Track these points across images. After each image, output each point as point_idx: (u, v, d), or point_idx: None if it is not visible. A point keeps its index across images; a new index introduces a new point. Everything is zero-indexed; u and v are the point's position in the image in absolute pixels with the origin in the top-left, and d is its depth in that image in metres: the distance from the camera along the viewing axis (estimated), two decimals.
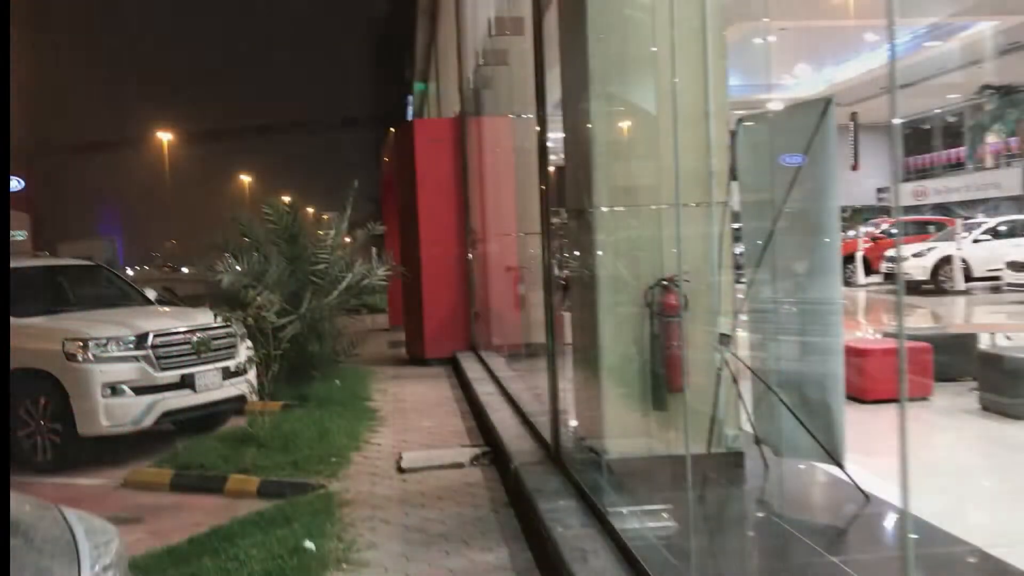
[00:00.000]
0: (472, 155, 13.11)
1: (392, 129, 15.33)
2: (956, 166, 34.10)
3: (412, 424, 8.66)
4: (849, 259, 21.28)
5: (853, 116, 29.79)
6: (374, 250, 12.56)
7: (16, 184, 30.58)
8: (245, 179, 69.13)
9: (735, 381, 5.37)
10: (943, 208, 30.35)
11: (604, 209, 5.55)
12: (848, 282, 20.51)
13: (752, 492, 5.43)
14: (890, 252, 20.52)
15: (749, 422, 5.50)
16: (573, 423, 6.24)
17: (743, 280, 5.59)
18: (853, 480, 4.85)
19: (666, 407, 5.50)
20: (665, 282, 5.44)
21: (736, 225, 5.66)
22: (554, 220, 6.45)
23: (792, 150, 4.98)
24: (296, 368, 10.29)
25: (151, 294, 9.57)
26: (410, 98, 34.72)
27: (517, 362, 10.38)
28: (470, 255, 13.16)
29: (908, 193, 38.44)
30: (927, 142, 39.47)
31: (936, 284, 19.21)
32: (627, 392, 5.66)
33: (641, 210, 5.64)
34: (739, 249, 5.77)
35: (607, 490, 5.07)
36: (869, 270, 21.97)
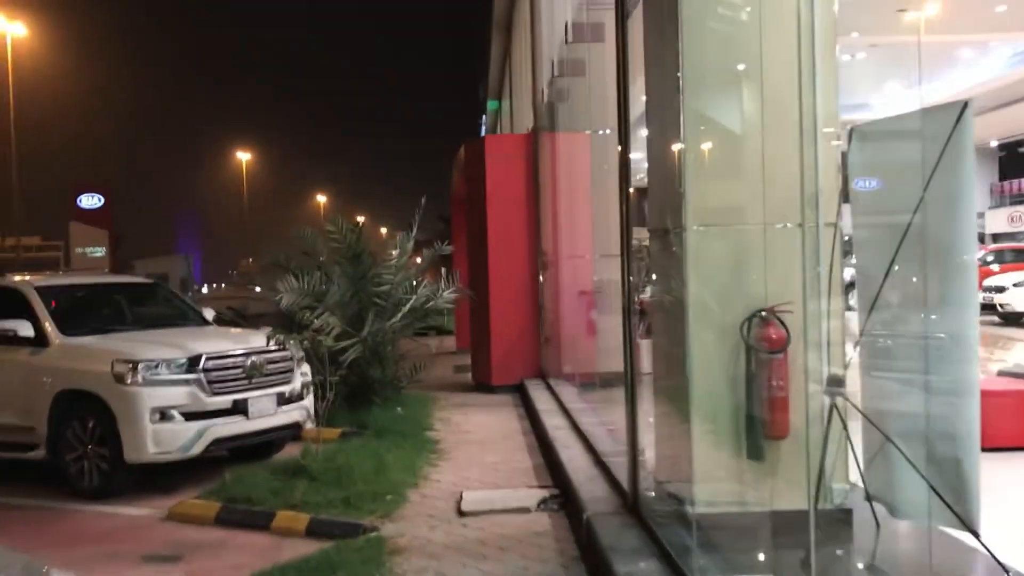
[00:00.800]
0: (545, 173, 12.54)
1: (462, 146, 14.87)
2: None
3: (475, 459, 8.07)
4: None
5: None
6: (443, 270, 12.07)
7: (96, 201, 31.19)
8: (321, 199, 70.29)
9: (845, 428, 4.64)
10: None
11: (695, 228, 4.90)
12: None
13: (862, 556, 4.70)
14: (988, 281, 19.26)
15: (860, 476, 4.77)
16: (652, 462, 5.58)
17: (851, 307, 4.89)
18: (991, 552, 4.08)
19: (762, 456, 4.81)
20: (764, 313, 4.77)
21: (846, 241, 4.97)
22: (633, 241, 5.84)
23: (920, 162, 4.26)
24: (356, 393, 9.87)
25: (209, 314, 9.19)
26: (483, 117, 34.49)
27: (589, 392, 9.72)
28: (541, 277, 12.58)
29: (1003, 219, 36.75)
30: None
31: None
32: (718, 432, 4.99)
33: (737, 231, 4.99)
34: (848, 273, 5.07)
35: (695, 552, 4.39)
36: None
